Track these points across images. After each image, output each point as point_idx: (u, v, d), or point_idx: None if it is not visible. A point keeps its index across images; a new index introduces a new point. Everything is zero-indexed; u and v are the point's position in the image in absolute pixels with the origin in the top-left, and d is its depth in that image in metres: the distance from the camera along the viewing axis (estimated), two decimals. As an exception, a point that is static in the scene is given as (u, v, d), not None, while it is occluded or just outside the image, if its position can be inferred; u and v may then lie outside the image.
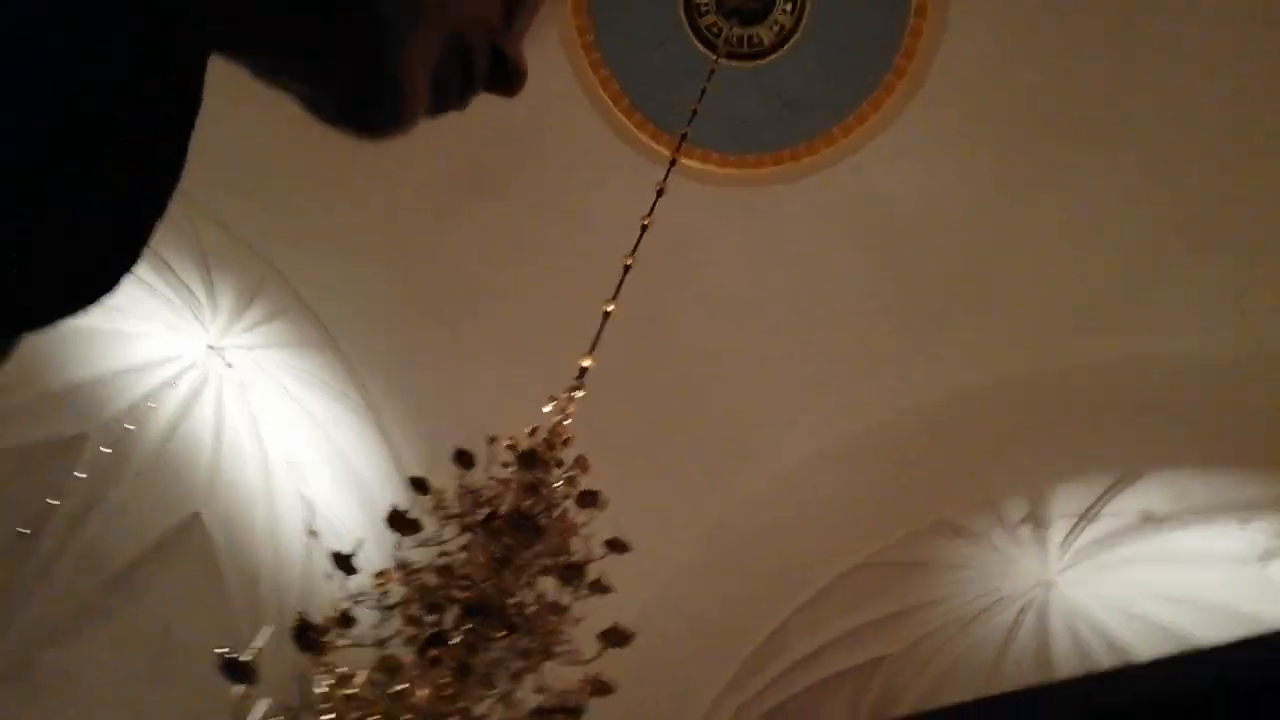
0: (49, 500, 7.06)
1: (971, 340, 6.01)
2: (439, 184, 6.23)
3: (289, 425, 7.34)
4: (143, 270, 6.82)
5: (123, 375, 7.35)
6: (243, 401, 7.42)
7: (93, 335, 7.17)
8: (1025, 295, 5.80)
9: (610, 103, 5.91)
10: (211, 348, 7.23)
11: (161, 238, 6.60)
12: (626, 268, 4.97)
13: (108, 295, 0.57)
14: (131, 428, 7.30)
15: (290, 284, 6.77)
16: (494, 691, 3.06)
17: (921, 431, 6.34)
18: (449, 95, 0.66)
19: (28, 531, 6.98)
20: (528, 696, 3.18)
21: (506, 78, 0.71)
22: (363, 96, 0.60)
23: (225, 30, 0.55)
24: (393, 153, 5.94)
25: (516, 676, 3.15)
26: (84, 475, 7.14)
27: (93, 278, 0.56)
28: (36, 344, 7.07)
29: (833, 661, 7.01)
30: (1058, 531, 6.63)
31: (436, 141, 6.09)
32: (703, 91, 5.25)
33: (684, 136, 5.48)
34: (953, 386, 6.13)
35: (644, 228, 5.03)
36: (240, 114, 5.08)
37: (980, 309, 5.93)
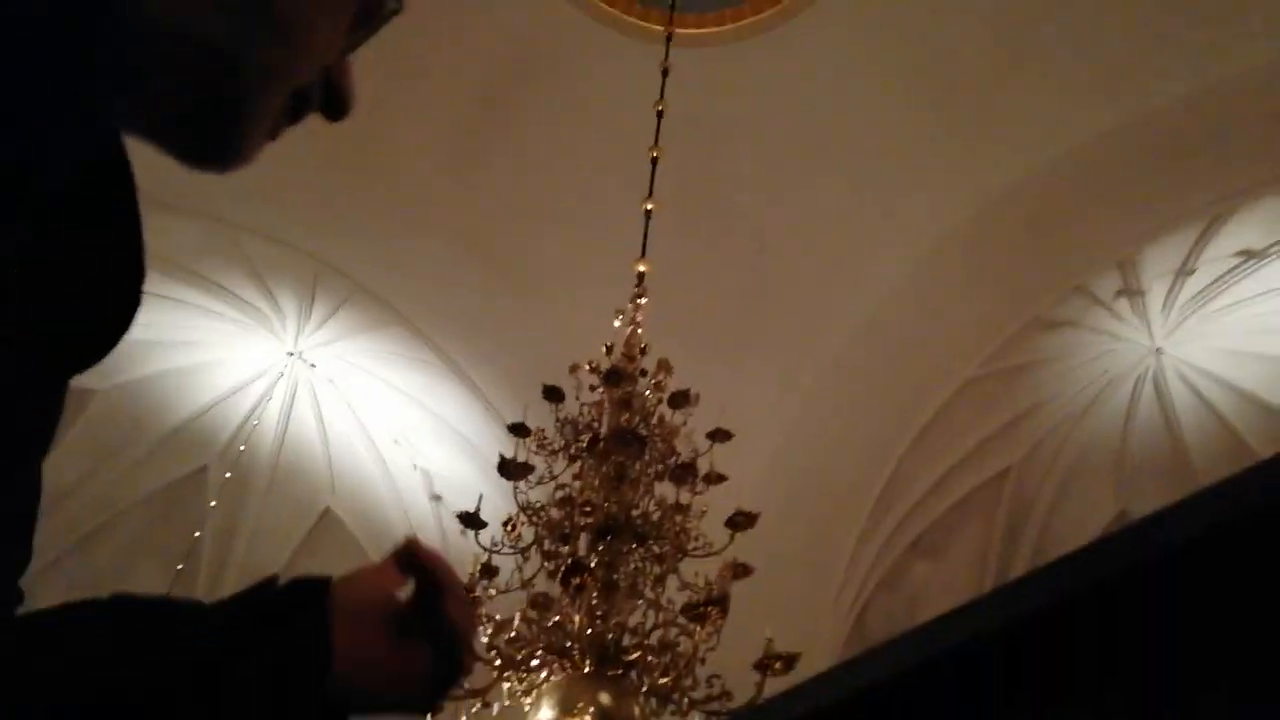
0: (194, 534, 7.52)
1: (1023, 117, 5.75)
2: (450, 132, 6.18)
3: (384, 405, 7.60)
4: (204, 300, 7.04)
5: (221, 403, 7.68)
6: (335, 395, 7.69)
7: (180, 375, 7.48)
8: (1071, 52, 5.49)
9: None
10: (291, 354, 7.47)
11: (210, 262, 6.79)
12: (654, 160, 4.89)
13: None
14: (243, 448, 7.65)
15: (343, 272, 6.89)
16: (642, 600, 3.20)
17: (992, 230, 6.16)
18: (283, 128, 0.73)
19: (181, 567, 7.47)
20: (675, 598, 3.31)
21: (337, 106, 0.76)
22: (211, 151, 0.68)
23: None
24: (393, 117, 5.91)
25: (659, 581, 3.29)
26: (215, 503, 7.55)
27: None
28: (135, 398, 7.43)
29: (959, 485, 7.04)
30: (1156, 296, 6.42)
31: (434, 95, 6.02)
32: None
33: (672, 6, 5.28)
34: (1012, 173, 5.91)
35: (659, 113, 4.93)
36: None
37: (1024, 82, 5.64)
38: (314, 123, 0.74)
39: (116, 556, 7.57)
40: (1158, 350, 6.66)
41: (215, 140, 0.68)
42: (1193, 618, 0.61)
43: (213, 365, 7.52)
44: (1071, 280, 6.39)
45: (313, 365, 7.55)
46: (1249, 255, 6.12)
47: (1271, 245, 6.03)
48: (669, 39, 5.10)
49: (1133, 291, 6.43)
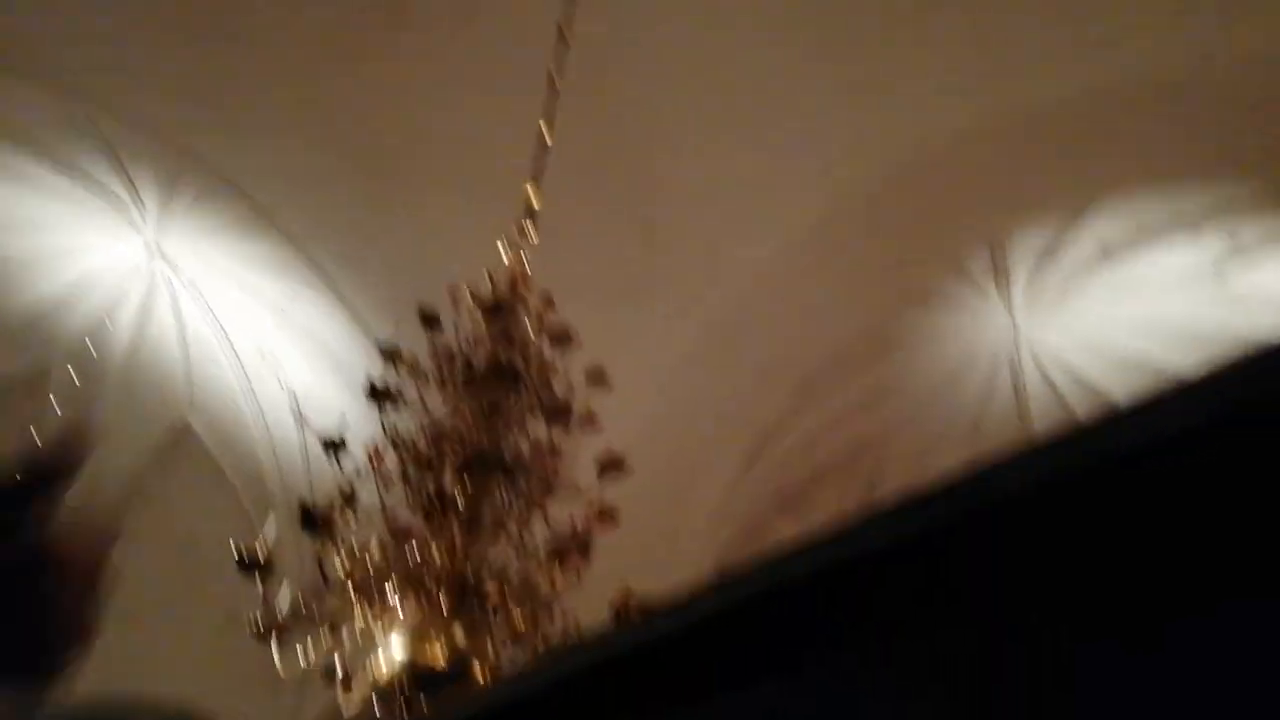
0: (34, 441, 7.04)
1: (915, 92, 5.83)
2: (336, 20, 5.76)
3: (251, 315, 7.22)
4: (52, 178, 6.49)
5: (71, 295, 7.15)
6: (199, 299, 7.26)
7: (26, 262, 6.91)
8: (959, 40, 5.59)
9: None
10: (148, 246, 6.99)
11: (61, 138, 6.23)
12: (551, 81, 4.73)
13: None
14: (93, 350, 7.17)
15: (212, 166, 6.45)
16: (505, 539, 3.18)
17: (882, 197, 6.25)
18: None
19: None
20: (540, 540, 3.30)
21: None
22: None
23: None
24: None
25: (524, 521, 3.27)
26: (60, 409, 7.08)
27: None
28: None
29: (822, 448, 7.31)
30: (1019, 278, 6.74)
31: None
32: None
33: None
34: (905, 138, 6.00)
35: (559, 28, 4.75)
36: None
37: (915, 61, 5.71)
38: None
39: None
40: (1015, 330, 7.01)
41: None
42: (1034, 561, 0.65)
43: (60, 253, 6.97)
44: (950, 255, 6.63)
45: (172, 264, 7.10)
46: (1106, 250, 6.48)
47: (1127, 241, 6.39)
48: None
49: (999, 270, 6.72)
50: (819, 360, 6.94)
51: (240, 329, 7.31)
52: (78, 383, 7.08)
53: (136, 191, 6.64)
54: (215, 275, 7.09)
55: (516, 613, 2.92)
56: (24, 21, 5.62)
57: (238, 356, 7.40)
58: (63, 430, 6.32)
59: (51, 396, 7.20)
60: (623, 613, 2.81)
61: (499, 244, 4.39)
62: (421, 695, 2.78)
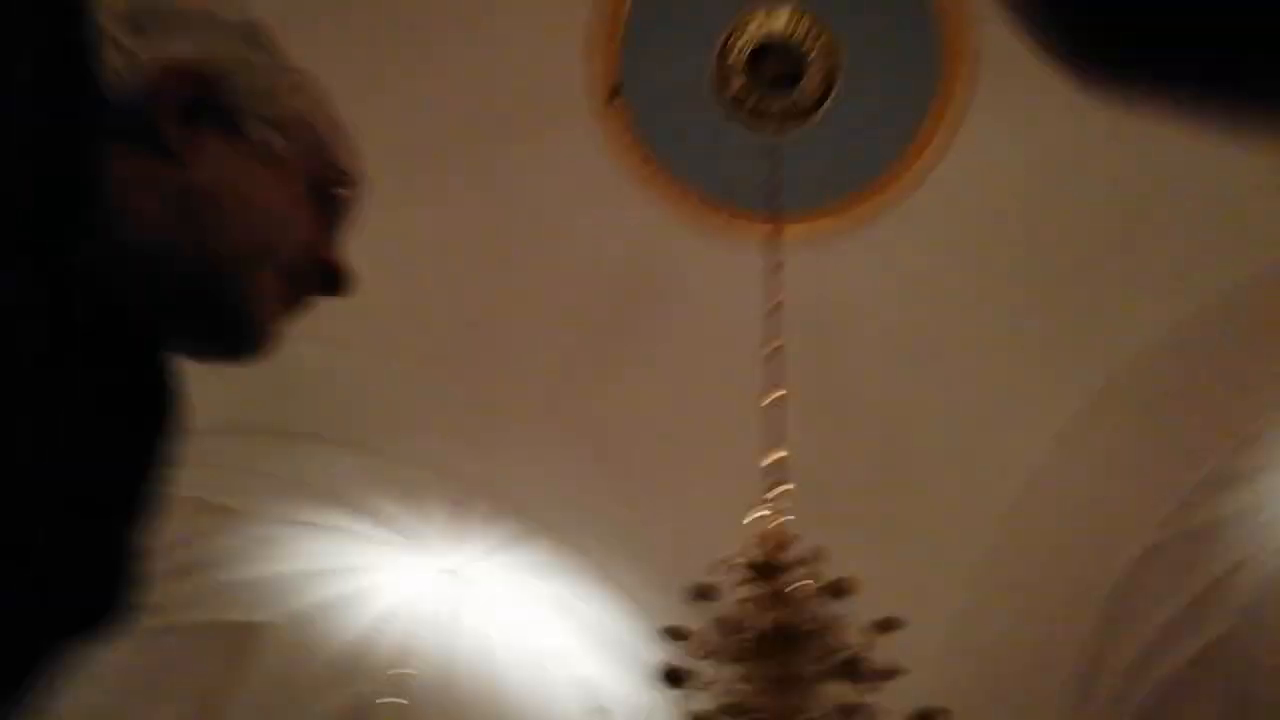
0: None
1: (1140, 287, 5.68)
2: (570, 350, 6.43)
3: (537, 618, 7.60)
4: (357, 525, 7.37)
5: (378, 628, 7.86)
6: (490, 610, 7.76)
7: (338, 604, 7.74)
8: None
9: (684, 204, 6.03)
10: (442, 572, 7.64)
11: (360, 489, 7.15)
12: (776, 350, 4.99)
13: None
14: (413, 672, 7.70)
15: (486, 489, 7.11)
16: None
17: (1123, 400, 5.93)
18: (293, 307, 0.80)
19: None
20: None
21: (337, 282, 0.83)
22: (232, 342, 0.77)
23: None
24: (513, 342, 6.29)
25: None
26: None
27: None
28: (297, 628, 7.70)
29: (1161, 663, 6.39)
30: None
31: (545, 318, 6.33)
32: (777, 163, 5.37)
33: (778, 211, 5.52)
34: (1142, 337, 5.77)
35: (775, 307, 5.07)
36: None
37: (1140, 254, 5.59)
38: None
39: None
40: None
41: (230, 331, 0.76)
42: None
43: (365, 591, 7.77)
44: (1237, 430, 6.01)
45: (465, 583, 7.70)
46: None
47: None
48: (776, 234, 5.32)
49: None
50: (1125, 563, 6.26)
51: (529, 632, 7.68)
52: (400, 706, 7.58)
53: (426, 522, 7.41)
54: (502, 586, 7.60)
55: None
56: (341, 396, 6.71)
57: (529, 658, 7.73)
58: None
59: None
60: None
61: (755, 514, 4.49)
62: None
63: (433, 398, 6.39)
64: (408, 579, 7.73)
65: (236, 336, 0.76)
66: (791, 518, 4.39)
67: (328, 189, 0.81)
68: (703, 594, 4.10)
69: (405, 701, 7.45)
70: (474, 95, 5.59)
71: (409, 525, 7.44)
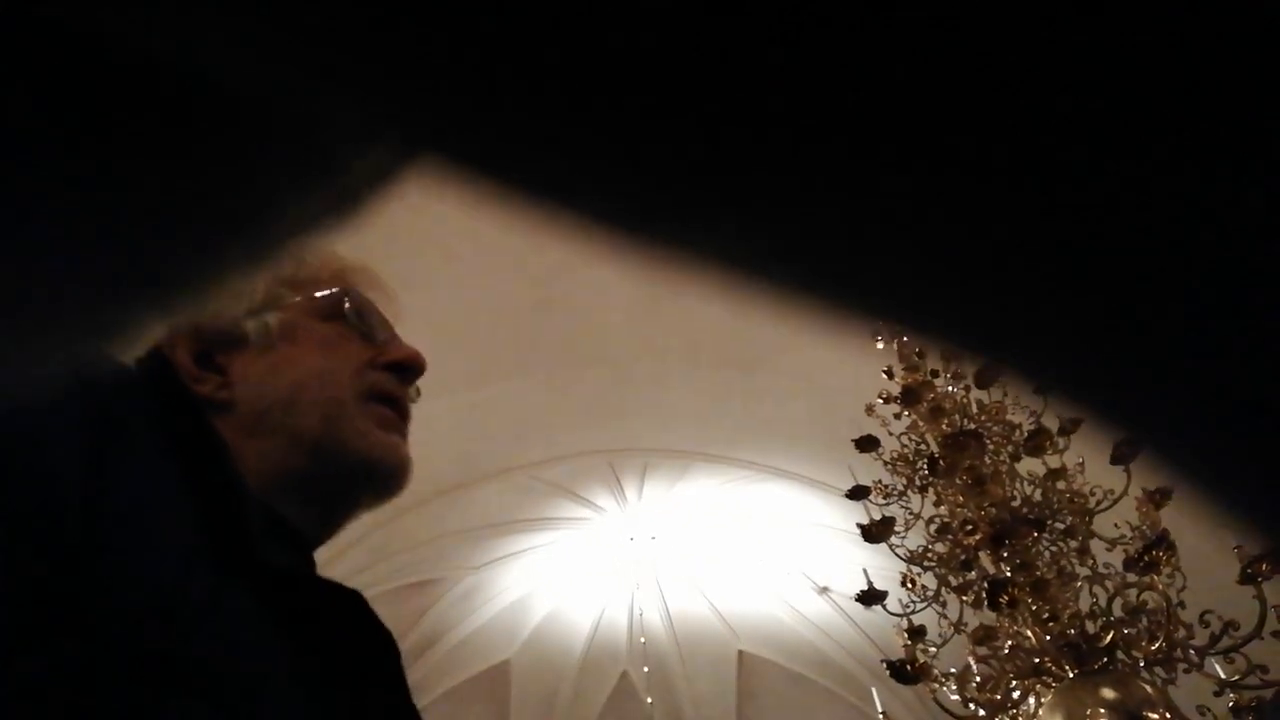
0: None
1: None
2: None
3: (735, 537, 7.78)
4: (542, 537, 7.64)
5: (606, 611, 8.17)
6: (687, 550, 7.98)
7: (570, 606, 8.06)
8: None
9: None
10: (632, 538, 7.88)
11: (532, 503, 7.39)
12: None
13: None
14: (644, 640, 8.03)
15: (634, 447, 7.24)
16: (1079, 581, 2.99)
17: None
18: (400, 419, 0.77)
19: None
20: (1111, 560, 3.06)
21: (407, 375, 0.80)
22: (389, 487, 0.75)
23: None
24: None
25: (1083, 554, 3.06)
26: (651, 699, 7.93)
27: None
28: (542, 645, 8.08)
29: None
30: None
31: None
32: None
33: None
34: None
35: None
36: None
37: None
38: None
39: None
40: None
41: (380, 484, 0.74)
42: None
43: (586, 594, 8.08)
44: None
45: (652, 537, 7.91)
46: None
47: None
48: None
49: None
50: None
51: (730, 551, 7.87)
52: (645, 686, 7.91)
53: (596, 505, 7.62)
54: (683, 525, 7.78)
55: (1145, 640, 2.68)
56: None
57: (744, 573, 7.93)
58: None
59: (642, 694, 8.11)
60: (1254, 576, 2.47)
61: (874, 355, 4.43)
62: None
63: (532, 403, 6.49)
64: (601, 561, 8.00)
65: (386, 483, 0.74)
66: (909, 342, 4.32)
67: (336, 310, 0.79)
68: (866, 444, 4.11)
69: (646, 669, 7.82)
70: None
71: (582, 515, 7.67)
